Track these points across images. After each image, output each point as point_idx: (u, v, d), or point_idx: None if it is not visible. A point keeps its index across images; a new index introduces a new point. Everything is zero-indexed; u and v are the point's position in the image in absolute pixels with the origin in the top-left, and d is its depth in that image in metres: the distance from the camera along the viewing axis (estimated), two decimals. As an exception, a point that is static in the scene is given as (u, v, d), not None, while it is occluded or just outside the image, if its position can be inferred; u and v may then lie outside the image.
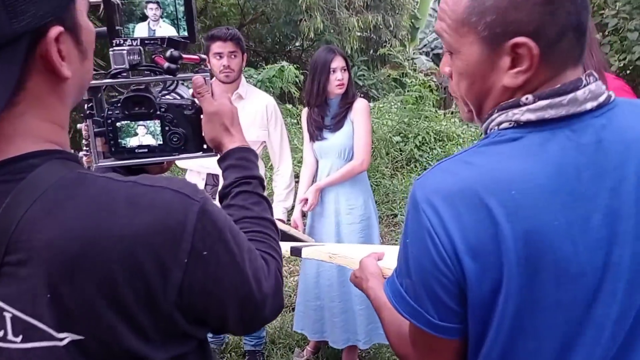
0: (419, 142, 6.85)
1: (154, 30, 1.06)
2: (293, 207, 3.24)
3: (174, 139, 1.08)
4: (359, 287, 1.26)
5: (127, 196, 0.71)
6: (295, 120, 7.28)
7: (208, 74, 1.07)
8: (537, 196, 0.78)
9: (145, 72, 1.07)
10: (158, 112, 1.07)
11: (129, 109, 1.06)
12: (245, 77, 7.12)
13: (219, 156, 1.08)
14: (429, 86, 7.18)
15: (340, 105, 3.02)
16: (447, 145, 7.04)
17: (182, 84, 1.13)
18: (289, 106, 7.56)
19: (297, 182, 3.24)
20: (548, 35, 0.80)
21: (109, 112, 1.06)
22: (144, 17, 1.05)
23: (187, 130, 1.08)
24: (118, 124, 1.07)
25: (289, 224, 3.28)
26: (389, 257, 1.31)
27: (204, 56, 1.07)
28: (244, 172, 1.03)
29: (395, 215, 5.67)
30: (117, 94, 1.09)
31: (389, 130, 6.96)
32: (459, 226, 0.78)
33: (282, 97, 7.84)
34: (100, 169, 1.08)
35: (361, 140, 2.99)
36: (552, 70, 0.83)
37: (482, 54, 0.84)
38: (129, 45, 1.05)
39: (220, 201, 1.04)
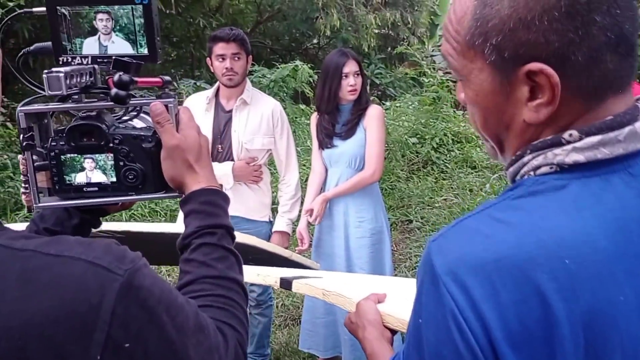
0: (436, 143, 6.64)
1: (106, 45, 0.88)
2: (299, 217, 3.08)
3: (130, 177, 0.91)
4: (354, 334, 1.08)
5: (20, 271, 0.54)
6: (309, 121, 7.09)
7: (174, 99, 0.89)
8: (597, 264, 0.62)
9: (100, 95, 0.90)
10: (111, 145, 0.90)
11: (76, 140, 0.89)
12: (259, 77, 7.05)
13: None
14: (447, 86, 6.95)
15: (353, 112, 2.85)
16: (465, 147, 6.81)
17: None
18: (303, 106, 7.38)
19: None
20: (575, 59, 0.63)
21: (53, 144, 0.89)
22: (93, 31, 0.87)
23: (145, 167, 0.91)
24: (62, 157, 0.90)
25: (294, 237, 3.12)
26: (393, 298, 1.13)
27: (167, 78, 0.89)
28: (208, 220, 0.85)
29: (411, 221, 5.46)
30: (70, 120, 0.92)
31: (405, 132, 6.74)
32: (496, 308, 0.60)
33: (296, 97, 7.67)
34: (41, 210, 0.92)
35: (374, 149, 2.82)
36: (588, 100, 0.66)
37: (494, 82, 0.69)
38: (78, 64, 0.87)
39: (180, 253, 0.87)
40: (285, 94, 7.04)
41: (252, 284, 3.23)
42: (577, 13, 0.61)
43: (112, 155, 0.90)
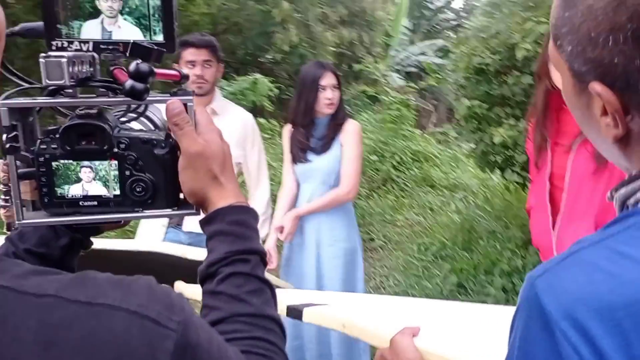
0: (396, 162, 6.61)
1: (110, 31, 0.73)
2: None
3: (137, 189, 0.76)
4: None
5: (39, 327, 0.39)
6: (269, 136, 6.96)
7: (192, 97, 0.74)
8: None
9: (100, 90, 0.74)
10: (115, 150, 0.74)
11: (73, 144, 0.73)
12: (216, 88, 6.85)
13: (201, 215, 0.76)
14: (407, 105, 6.97)
15: (329, 126, 2.73)
16: (424, 166, 6.83)
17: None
18: (262, 120, 7.24)
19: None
20: None
21: (42, 147, 0.73)
22: (95, 12, 0.72)
23: (157, 177, 0.76)
24: (54, 164, 0.74)
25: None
26: (428, 331, 1.00)
27: (184, 71, 0.75)
28: (239, 244, 0.71)
29: (373, 239, 5.38)
30: (55, 120, 0.76)
31: (365, 149, 6.70)
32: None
33: (254, 111, 7.51)
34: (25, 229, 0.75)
35: (351, 166, 2.71)
36: None
37: (575, 87, 0.64)
38: (75, 50, 0.72)
39: (202, 283, 0.72)
40: (244, 107, 6.87)
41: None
42: None
43: (116, 162, 0.75)
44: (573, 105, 0.66)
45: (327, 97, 2.66)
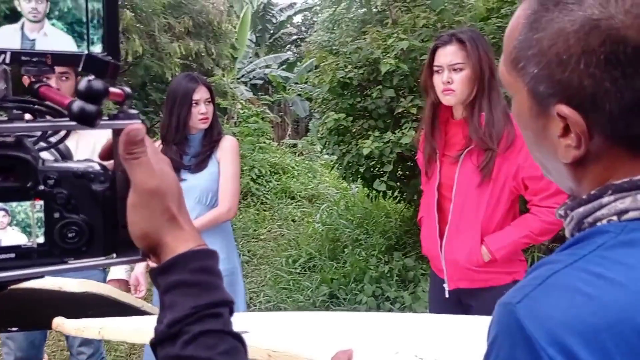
0: (255, 175, 6.56)
1: (33, 39, 0.58)
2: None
3: (69, 235, 0.60)
4: None
5: None
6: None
7: (139, 121, 0.61)
8: None
9: (14, 112, 0.59)
10: (42, 187, 0.59)
11: (-15, 182, 0.57)
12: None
13: (148, 263, 0.64)
14: (263, 118, 6.96)
15: (204, 143, 2.59)
16: (282, 177, 6.85)
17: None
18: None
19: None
20: (610, 109, 0.58)
21: None
22: (13, 16, 0.57)
23: (93, 219, 0.62)
24: None
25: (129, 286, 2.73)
26: (361, 352, 0.97)
27: (128, 90, 0.62)
28: (209, 296, 0.60)
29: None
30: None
31: (222, 163, 6.57)
32: None
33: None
34: None
35: (229, 184, 2.58)
36: (632, 152, 0.60)
37: (532, 109, 0.64)
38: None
39: (157, 345, 0.59)
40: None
41: (80, 345, 2.75)
42: (620, 63, 0.56)
43: (42, 203, 0.59)
44: (526, 127, 0.67)
45: (201, 111, 2.52)
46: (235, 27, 12.99)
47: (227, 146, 2.61)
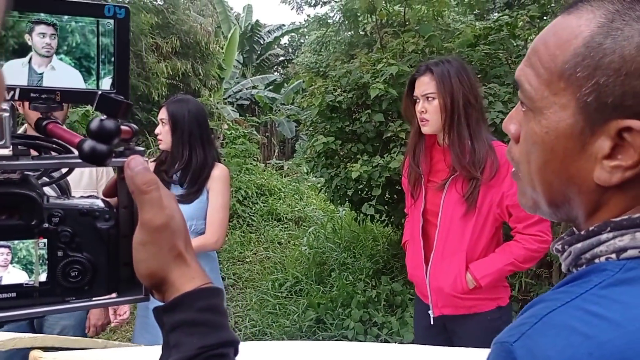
0: (242, 196, 6.52)
1: (41, 74, 0.57)
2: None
3: (72, 274, 0.59)
4: None
5: None
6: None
7: (146, 158, 0.60)
8: None
9: (20, 148, 0.57)
10: (46, 225, 0.58)
11: (-12, 220, 0.55)
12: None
13: (151, 301, 0.62)
14: (250, 139, 6.96)
15: (196, 172, 2.54)
16: (269, 199, 6.82)
17: None
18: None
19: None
20: None
21: None
22: (21, 50, 0.56)
23: (96, 257, 0.60)
24: None
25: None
26: None
27: (134, 127, 0.61)
28: (215, 337, 0.58)
29: (223, 278, 5.20)
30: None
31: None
32: None
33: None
34: None
35: (218, 214, 2.52)
36: None
37: (575, 126, 0.59)
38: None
39: None
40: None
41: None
42: None
43: (45, 241, 0.58)
44: (552, 147, 0.62)
45: (156, 131, 2.52)
46: (222, 48, 13.05)
47: (218, 175, 2.57)
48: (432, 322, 2.14)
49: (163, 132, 2.48)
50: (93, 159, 0.52)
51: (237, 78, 15.86)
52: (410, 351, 1.79)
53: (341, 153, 3.94)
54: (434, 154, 2.13)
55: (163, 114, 2.49)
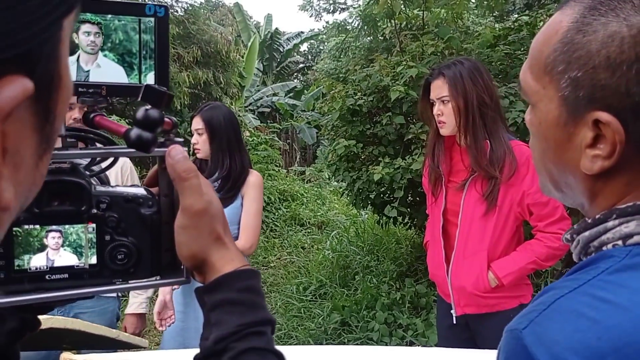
0: (265, 202, 6.57)
1: (88, 70, 0.62)
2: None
3: (119, 257, 0.63)
4: None
5: None
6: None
7: (185, 148, 0.65)
8: None
9: (69, 140, 0.62)
10: (94, 211, 0.62)
11: (42, 205, 0.59)
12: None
13: (193, 283, 0.66)
14: (272, 145, 7.02)
15: (227, 183, 2.60)
16: (292, 205, 6.87)
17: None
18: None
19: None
20: None
21: None
22: (71, 48, 0.60)
23: (141, 242, 0.64)
24: (15, 231, 0.59)
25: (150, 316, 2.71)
26: None
27: (174, 119, 0.65)
28: (252, 315, 0.62)
29: (248, 283, 5.25)
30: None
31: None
32: None
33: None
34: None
35: (253, 220, 2.56)
36: None
37: (561, 117, 0.62)
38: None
39: None
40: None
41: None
42: None
43: (94, 226, 0.62)
44: (546, 137, 0.65)
45: (192, 141, 2.57)
46: (243, 56, 13.20)
47: (253, 182, 2.60)
48: (454, 322, 2.15)
49: (200, 142, 2.53)
50: (139, 145, 0.56)
51: (257, 86, 16.01)
52: (434, 354, 1.80)
53: (362, 156, 3.96)
54: (454, 154, 2.15)
55: (198, 124, 2.52)
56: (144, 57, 0.63)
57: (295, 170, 9.42)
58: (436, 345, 2.66)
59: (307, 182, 7.97)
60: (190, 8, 10.67)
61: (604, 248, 0.61)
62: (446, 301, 2.20)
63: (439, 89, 2.04)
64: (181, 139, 0.66)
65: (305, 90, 15.87)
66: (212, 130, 2.53)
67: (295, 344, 3.86)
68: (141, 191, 0.66)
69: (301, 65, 19.22)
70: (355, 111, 3.90)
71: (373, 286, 4.45)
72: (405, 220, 4.47)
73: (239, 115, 8.93)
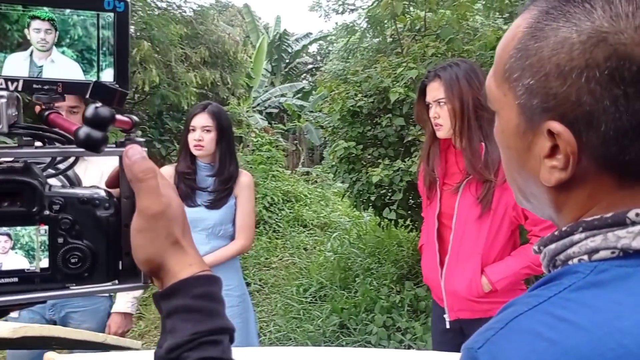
0: (268, 202, 6.57)
1: (41, 66, 0.60)
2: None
3: (72, 260, 0.61)
4: None
5: None
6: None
7: (145, 149, 0.63)
8: None
9: (24, 138, 0.60)
10: (47, 212, 0.60)
11: (-9, 205, 0.58)
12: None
13: (149, 288, 0.64)
14: (276, 146, 7.02)
15: (219, 182, 2.59)
16: (295, 206, 6.85)
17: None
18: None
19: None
20: (606, 130, 0.53)
21: None
22: (24, 44, 0.59)
23: (96, 244, 0.62)
24: None
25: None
26: None
27: (135, 118, 0.63)
28: (208, 322, 0.60)
29: (249, 284, 5.23)
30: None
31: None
32: None
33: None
34: None
35: (248, 218, 2.64)
36: (627, 177, 0.56)
37: (520, 126, 0.60)
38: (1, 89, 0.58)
39: None
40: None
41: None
42: (623, 81, 0.52)
43: (46, 228, 0.60)
44: (508, 145, 0.63)
45: (194, 137, 2.54)
46: (251, 57, 13.21)
47: (246, 182, 2.64)
48: (448, 326, 2.12)
49: (207, 140, 2.52)
50: (88, 145, 0.55)
51: (265, 86, 16.01)
52: (429, 358, 1.78)
53: (362, 158, 3.94)
54: (449, 156, 2.13)
55: (207, 121, 2.51)
56: (103, 54, 0.61)
57: (299, 171, 9.40)
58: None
59: (311, 183, 7.95)
60: (199, 9, 10.68)
61: (570, 262, 0.57)
62: (440, 305, 2.17)
63: (436, 91, 2.02)
64: (142, 139, 0.64)
65: (313, 91, 15.87)
66: (222, 129, 2.54)
67: (293, 346, 3.84)
68: (99, 192, 0.64)
69: (310, 66, 19.20)
70: (356, 112, 3.87)
71: (373, 289, 4.42)
72: (407, 223, 4.44)
73: (245, 117, 8.94)
